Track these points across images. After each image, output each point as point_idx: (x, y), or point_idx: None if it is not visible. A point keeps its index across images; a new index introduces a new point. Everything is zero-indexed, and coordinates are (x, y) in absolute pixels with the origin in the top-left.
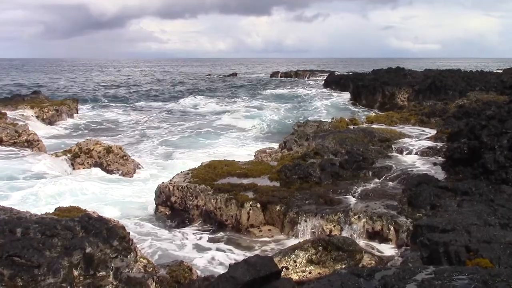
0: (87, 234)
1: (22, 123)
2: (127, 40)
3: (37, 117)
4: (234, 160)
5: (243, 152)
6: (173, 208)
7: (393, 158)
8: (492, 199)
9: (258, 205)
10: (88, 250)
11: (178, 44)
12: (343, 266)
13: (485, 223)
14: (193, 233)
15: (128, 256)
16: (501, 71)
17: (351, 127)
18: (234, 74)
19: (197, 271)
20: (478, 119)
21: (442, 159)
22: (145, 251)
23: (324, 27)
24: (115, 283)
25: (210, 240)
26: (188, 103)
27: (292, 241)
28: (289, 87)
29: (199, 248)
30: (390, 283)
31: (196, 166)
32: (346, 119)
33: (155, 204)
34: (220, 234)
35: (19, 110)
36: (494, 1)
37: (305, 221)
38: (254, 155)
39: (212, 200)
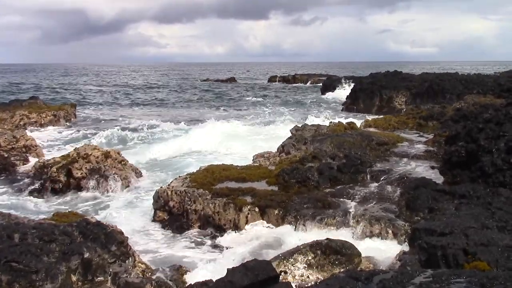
0: (85, 239)
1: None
2: (125, 44)
3: (35, 122)
4: (232, 165)
5: None
6: (171, 213)
7: (391, 161)
8: (489, 202)
9: (257, 209)
10: (86, 255)
11: (176, 49)
12: (342, 270)
13: (483, 226)
14: (191, 238)
15: (126, 261)
16: (499, 74)
17: (349, 131)
18: (233, 79)
19: (195, 275)
20: (475, 122)
21: (439, 162)
22: (143, 256)
23: (322, 31)
24: None
25: (209, 245)
26: None
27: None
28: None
29: (197, 253)
30: (388, 286)
31: (194, 171)
32: (344, 123)
33: (153, 209)
34: (219, 238)
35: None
36: (492, 4)
37: (304, 225)
38: (252, 159)
39: (211, 205)
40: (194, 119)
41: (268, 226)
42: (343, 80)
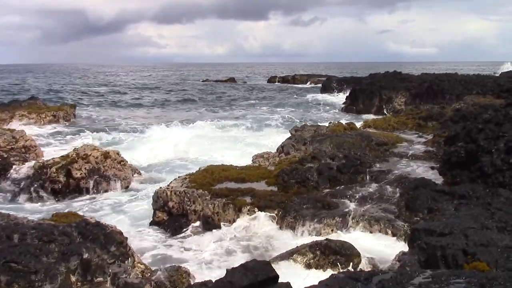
0: (84, 240)
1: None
2: (125, 45)
3: (34, 122)
4: (231, 165)
5: None
6: (170, 213)
7: (391, 162)
8: (489, 202)
9: (256, 210)
10: (85, 255)
11: (175, 49)
12: (341, 270)
13: (483, 226)
14: (190, 238)
15: (126, 262)
16: (498, 74)
17: (348, 131)
18: (232, 80)
19: (195, 276)
20: (475, 123)
21: (439, 163)
22: (142, 256)
23: (321, 32)
24: None
25: (208, 245)
26: None
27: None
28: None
29: (196, 253)
30: (388, 287)
31: (194, 171)
32: (344, 123)
33: (153, 209)
34: (218, 238)
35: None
36: (492, 5)
37: (303, 225)
38: (252, 160)
39: (210, 205)
40: (188, 120)
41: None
42: (334, 84)
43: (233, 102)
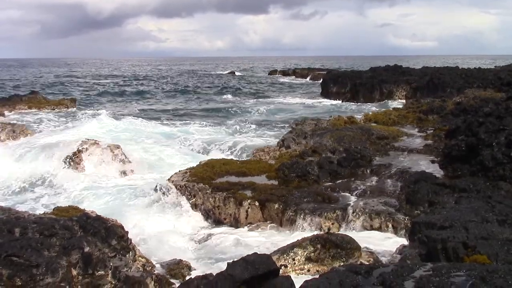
0: (85, 234)
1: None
2: (124, 39)
3: None
4: (232, 159)
5: None
6: None
7: (391, 155)
8: (489, 195)
9: (257, 203)
10: (86, 249)
11: (175, 43)
12: (342, 264)
13: (483, 219)
14: (191, 232)
15: (127, 255)
16: (499, 68)
17: (349, 125)
18: (232, 73)
19: (196, 269)
20: (475, 116)
21: (439, 156)
22: (143, 250)
23: (321, 25)
24: (113, 282)
25: (208, 239)
26: None
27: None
28: None
29: (197, 247)
30: (388, 280)
31: (195, 165)
32: (344, 117)
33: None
34: (219, 232)
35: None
36: None
37: (304, 219)
38: (252, 154)
39: (211, 199)
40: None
41: None
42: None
43: (219, 97)
